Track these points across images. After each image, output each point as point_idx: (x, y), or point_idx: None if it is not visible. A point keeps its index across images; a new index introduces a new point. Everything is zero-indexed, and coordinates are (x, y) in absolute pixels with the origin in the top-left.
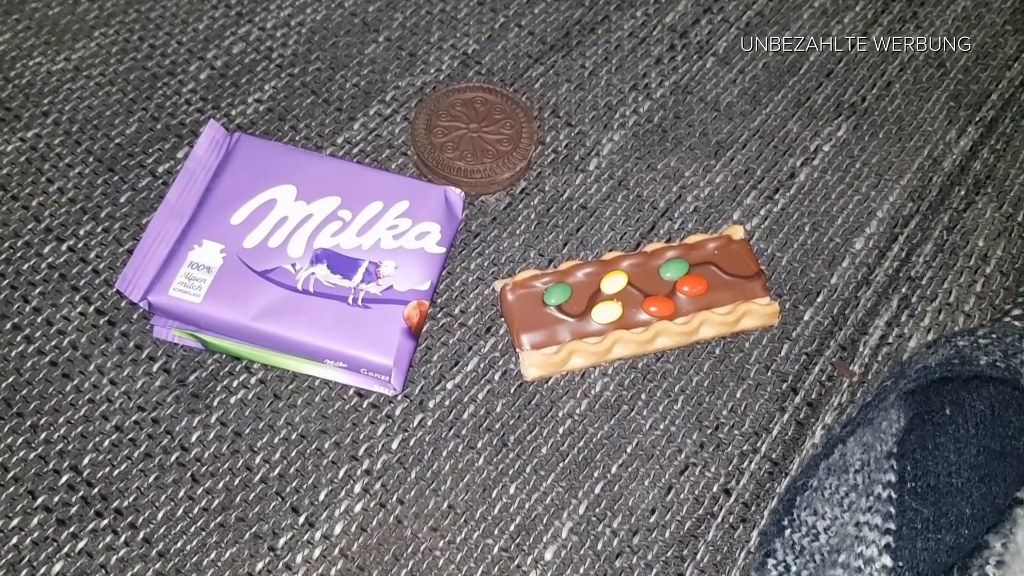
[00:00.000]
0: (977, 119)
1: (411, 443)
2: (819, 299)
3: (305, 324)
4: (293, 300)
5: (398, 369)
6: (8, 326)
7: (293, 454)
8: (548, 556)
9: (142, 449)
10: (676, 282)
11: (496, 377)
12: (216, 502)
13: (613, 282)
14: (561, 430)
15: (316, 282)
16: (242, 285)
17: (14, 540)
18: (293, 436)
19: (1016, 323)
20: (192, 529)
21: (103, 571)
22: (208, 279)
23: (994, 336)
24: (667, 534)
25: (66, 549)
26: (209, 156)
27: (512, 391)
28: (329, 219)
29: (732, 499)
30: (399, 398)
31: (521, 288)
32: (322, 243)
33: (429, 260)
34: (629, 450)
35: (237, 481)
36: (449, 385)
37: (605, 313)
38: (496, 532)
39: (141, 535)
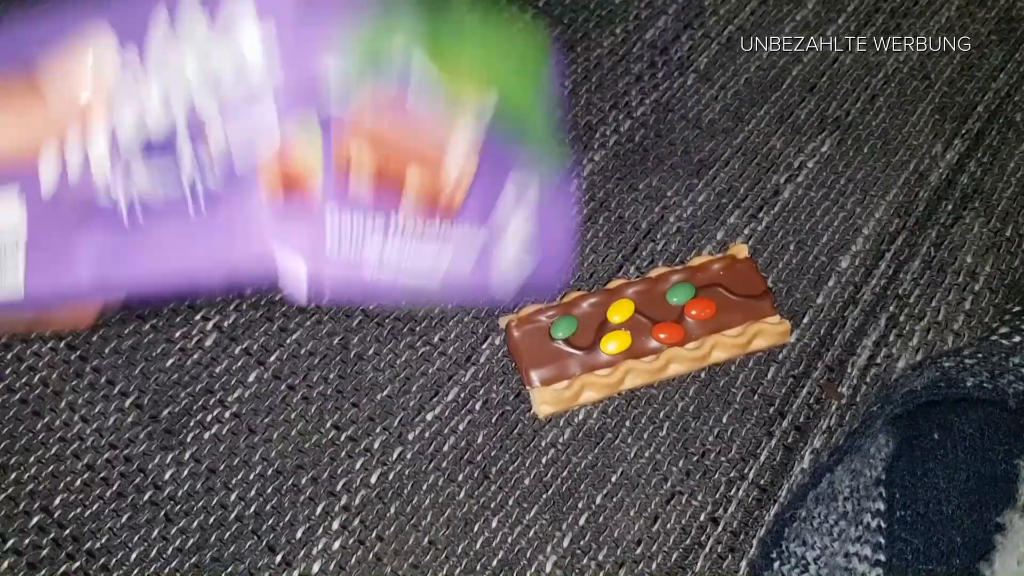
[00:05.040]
0: (963, 132)
1: (390, 477)
2: (805, 320)
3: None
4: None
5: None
6: None
7: (269, 491)
8: None
9: (114, 488)
10: (684, 306)
11: (477, 407)
12: (190, 542)
13: (619, 311)
14: (544, 460)
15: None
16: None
17: None
18: (269, 472)
19: (1003, 341)
20: (166, 570)
21: None
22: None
23: (980, 356)
24: (654, 566)
25: None
26: None
27: (493, 421)
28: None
29: (720, 528)
30: (377, 431)
31: (527, 323)
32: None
33: None
34: (614, 480)
35: (212, 520)
36: (429, 416)
37: (614, 343)
38: (479, 568)
39: None
